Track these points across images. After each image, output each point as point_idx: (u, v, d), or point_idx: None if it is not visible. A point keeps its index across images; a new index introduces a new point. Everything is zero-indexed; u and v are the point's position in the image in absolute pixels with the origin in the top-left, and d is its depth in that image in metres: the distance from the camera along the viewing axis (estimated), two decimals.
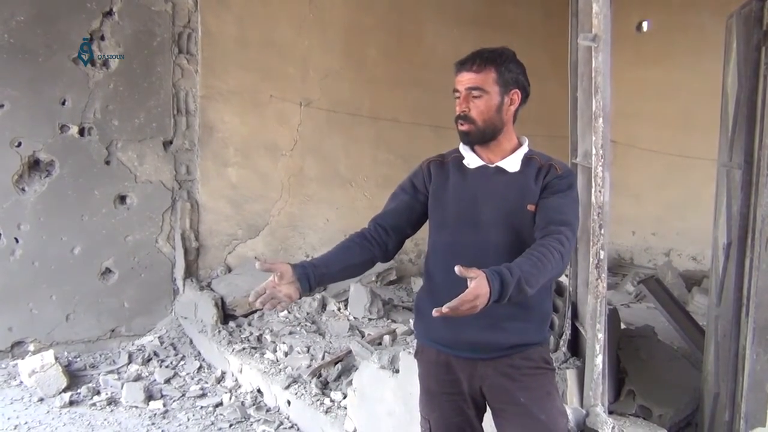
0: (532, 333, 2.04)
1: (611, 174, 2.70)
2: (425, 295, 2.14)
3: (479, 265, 1.92)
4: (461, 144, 2.13)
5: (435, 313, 1.62)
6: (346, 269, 2.08)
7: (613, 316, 3.47)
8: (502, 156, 2.06)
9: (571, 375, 2.90)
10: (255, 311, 5.23)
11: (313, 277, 1.97)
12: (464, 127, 2.02)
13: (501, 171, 2.05)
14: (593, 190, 2.64)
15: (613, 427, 2.69)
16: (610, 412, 2.87)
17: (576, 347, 3.16)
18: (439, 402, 2.10)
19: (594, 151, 2.66)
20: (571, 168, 2.15)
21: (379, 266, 6.09)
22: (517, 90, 2.03)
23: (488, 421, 2.14)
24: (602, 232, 2.60)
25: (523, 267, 1.72)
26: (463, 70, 2.01)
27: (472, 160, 2.08)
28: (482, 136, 2.02)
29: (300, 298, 1.97)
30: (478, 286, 1.63)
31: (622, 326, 4.12)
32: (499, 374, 2.00)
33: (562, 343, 3.17)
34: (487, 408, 2.12)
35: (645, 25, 7.68)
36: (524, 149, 2.08)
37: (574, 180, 2.09)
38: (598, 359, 2.74)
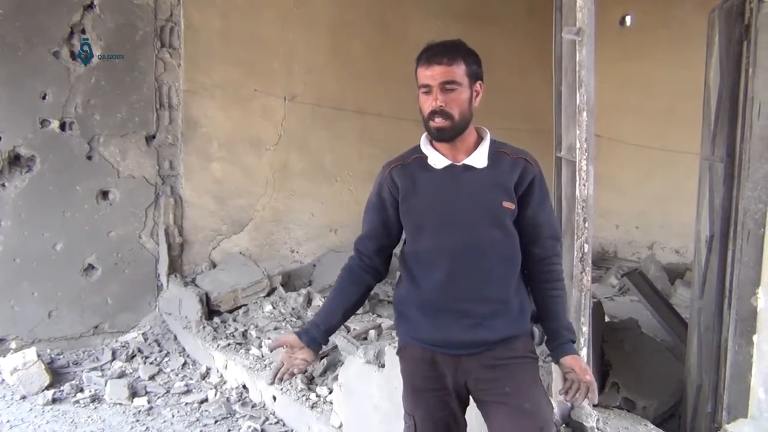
0: (514, 326, 2.03)
1: (595, 168, 2.72)
2: (410, 300, 2.10)
3: (464, 267, 1.99)
4: (422, 142, 2.09)
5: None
6: (348, 311, 2.21)
7: (597, 309, 3.50)
8: (467, 152, 2.03)
9: (556, 368, 2.91)
10: (240, 307, 5.21)
11: (320, 336, 2.14)
12: (441, 123, 1.95)
13: (469, 168, 2.01)
14: (577, 183, 2.66)
15: (598, 420, 2.71)
16: (595, 405, 2.88)
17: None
18: (424, 398, 2.09)
19: (578, 145, 2.67)
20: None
21: None
22: (481, 82, 2.00)
23: (470, 414, 2.15)
24: (586, 225, 2.62)
25: (566, 317, 2.11)
26: (433, 63, 1.93)
27: (437, 160, 2.03)
28: (457, 131, 1.97)
29: (318, 359, 2.19)
30: (579, 368, 1.99)
31: (606, 319, 4.16)
32: (484, 367, 2.00)
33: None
34: (471, 402, 2.12)
35: (628, 19, 7.72)
36: (487, 141, 2.04)
37: (542, 174, 2.09)
38: (582, 352, 2.76)
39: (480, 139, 2.06)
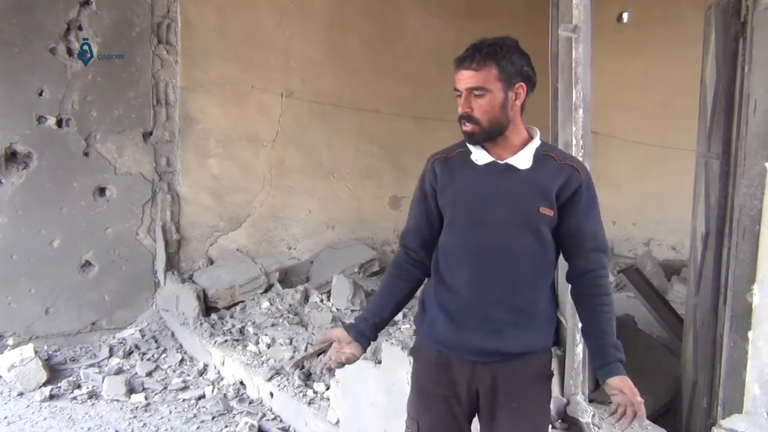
0: (534, 340, 1.99)
1: (592, 164, 2.72)
2: (433, 295, 2.07)
3: (489, 270, 1.93)
4: None
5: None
6: (398, 306, 2.16)
7: None
8: (512, 151, 1.95)
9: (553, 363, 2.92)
10: (237, 303, 5.22)
11: (369, 331, 2.10)
12: (468, 128, 1.92)
13: (511, 168, 1.94)
14: None
15: (593, 415, 2.72)
16: (591, 401, 2.90)
17: (557, 337, 3.18)
18: (433, 403, 2.04)
19: (574, 142, 2.68)
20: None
21: (362, 258, 6.13)
22: (522, 83, 1.91)
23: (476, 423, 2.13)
24: None
25: (614, 335, 1.95)
26: (462, 68, 1.90)
27: (480, 156, 1.97)
28: (488, 135, 1.93)
29: (365, 352, 2.11)
30: (630, 390, 1.87)
31: None
32: (498, 378, 1.97)
33: None
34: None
35: (625, 16, 7.72)
36: (536, 143, 1.97)
37: (593, 184, 2.00)
38: (578, 348, 2.77)
39: (529, 138, 1.99)
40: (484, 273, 1.94)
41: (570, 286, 2.05)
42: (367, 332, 2.09)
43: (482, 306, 1.95)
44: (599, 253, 1.98)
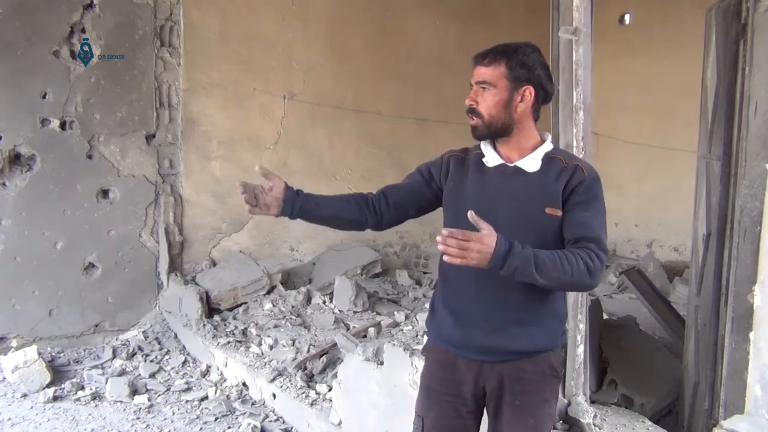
0: (540, 340, 1.98)
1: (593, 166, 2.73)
2: (441, 295, 2.11)
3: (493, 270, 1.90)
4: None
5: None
6: (333, 218, 2.13)
7: (595, 307, 3.51)
8: (522, 154, 1.99)
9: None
10: (240, 305, 5.23)
11: (298, 206, 2.05)
12: (472, 121, 1.99)
13: (519, 171, 1.97)
14: None
15: (595, 416, 2.73)
16: (592, 402, 2.91)
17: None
18: (438, 401, 2.07)
19: (575, 143, 2.70)
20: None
21: (365, 259, 6.14)
22: (530, 87, 1.94)
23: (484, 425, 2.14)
24: None
25: (539, 253, 1.76)
26: (476, 63, 1.98)
27: (491, 158, 2.02)
28: (489, 132, 1.98)
29: (277, 216, 2.04)
30: (487, 235, 1.69)
31: (605, 316, 4.17)
32: (505, 377, 1.98)
33: None
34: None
35: (627, 17, 7.73)
36: (546, 147, 2.00)
37: (599, 184, 1.96)
38: (579, 349, 2.78)
39: (541, 143, 2.02)
40: (487, 272, 1.91)
41: None
42: (297, 207, 2.04)
43: (486, 304, 1.97)
44: (588, 242, 1.86)
